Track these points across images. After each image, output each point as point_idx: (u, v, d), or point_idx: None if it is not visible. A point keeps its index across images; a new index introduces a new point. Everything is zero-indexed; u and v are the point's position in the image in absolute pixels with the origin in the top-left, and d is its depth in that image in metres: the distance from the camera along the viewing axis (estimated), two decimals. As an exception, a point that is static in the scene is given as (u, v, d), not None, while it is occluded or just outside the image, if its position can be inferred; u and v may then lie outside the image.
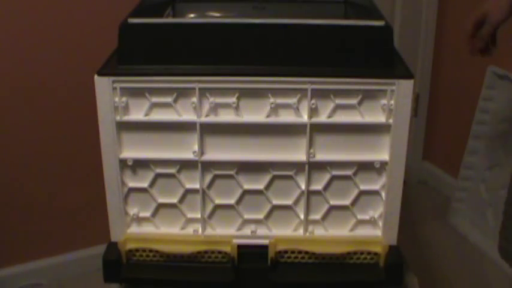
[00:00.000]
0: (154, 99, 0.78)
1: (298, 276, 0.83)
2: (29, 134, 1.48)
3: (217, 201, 0.83)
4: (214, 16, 1.00)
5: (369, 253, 0.84)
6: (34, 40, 1.40)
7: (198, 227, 0.85)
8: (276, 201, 0.83)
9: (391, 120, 0.78)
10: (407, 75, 0.76)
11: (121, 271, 0.84)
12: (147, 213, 0.84)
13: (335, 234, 0.85)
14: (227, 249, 0.83)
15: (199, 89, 0.77)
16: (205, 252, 0.84)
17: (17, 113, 1.46)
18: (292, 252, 0.84)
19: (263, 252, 0.83)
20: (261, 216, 0.84)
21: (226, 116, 0.78)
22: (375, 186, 0.82)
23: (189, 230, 0.85)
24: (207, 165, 0.81)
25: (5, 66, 1.40)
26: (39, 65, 1.43)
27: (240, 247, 0.83)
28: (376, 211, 0.84)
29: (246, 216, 0.84)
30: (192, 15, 1.00)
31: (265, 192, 0.82)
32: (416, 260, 1.16)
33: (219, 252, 0.84)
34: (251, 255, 0.83)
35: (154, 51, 0.77)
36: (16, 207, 1.54)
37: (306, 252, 0.84)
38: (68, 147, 1.53)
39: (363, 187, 0.82)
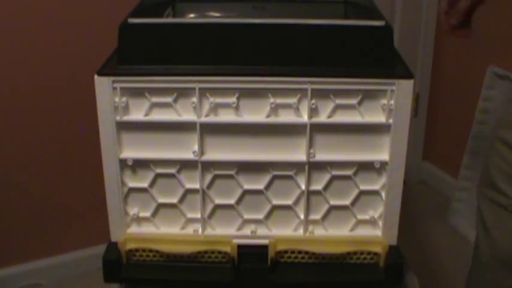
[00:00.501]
0: (154, 99, 0.78)
1: (298, 276, 0.83)
2: (29, 134, 1.48)
3: (217, 201, 0.83)
4: (214, 16, 1.00)
5: (368, 253, 0.84)
6: (34, 40, 1.40)
7: (198, 227, 0.85)
8: (276, 201, 0.83)
9: (391, 120, 0.78)
10: (407, 75, 0.76)
11: (121, 271, 0.84)
12: (147, 213, 0.84)
13: (335, 234, 0.85)
14: (227, 249, 0.83)
15: (199, 89, 0.77)
16: (205, 252, 0.84)
17: (17, 112, 1.46)
18: (292, 252, 0.84)
19: (263, 252, 0.83)
20: (261, 216, 0.84)
21: (226, 116, 0.78)
22: (375, 186, 0.82)
23: (189, 230, 0.85)
24: (207, 165, 0.81)
25: (5, 66, 1.40)
26: (39, 65, 1.43)
27: (240, 247, 0.83)
28: (376, 211, 0.84)
29: (246, 216, 0.84)
30: (192, 15, 1.00)
31: (265, 192, 0.82)
32: (416, 260, 1.16)
33: (219, 252, 0.84)
34: (251, 255, 0.83)
35: (154, 51, 0.77)
36: (16, 207, 1.54)
37: (306, 252, 0.84)
38: (68, 147, 1.53)
39: (362, 187, 0.82)
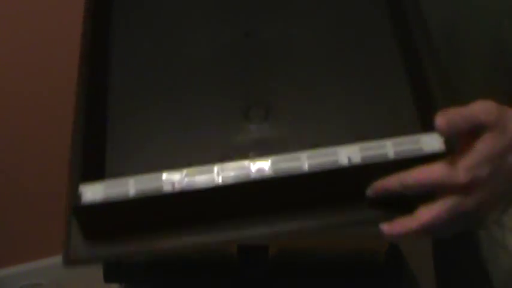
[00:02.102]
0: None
1: (298, 276, 0.83)
2: (29, 134, 1.48)
3: (217, 201, 0.83)
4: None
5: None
6: (34, 40, 1.40)
7: (198, 227, 0.84)
8: (276, 201, 0.83)
9: (391, 120, 0.77)
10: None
11: (121, 271, 0.83)
12: (147, 213, 0.84)
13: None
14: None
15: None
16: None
17: (17, 112, 1.46)
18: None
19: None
20: (261, 216, 0.83)
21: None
22: (375, 186, 0.82)
23: (189, 230, 0.84)
24: (207, 165, 0.80)
25: (5, 67, 1.40)
26: (39, 65, 1.43)
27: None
28: (376, 211, 0.83)
29: (246, 216, 0.84)
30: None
31: (265, 192, 0.82)
32: (416, 260, 1.16)
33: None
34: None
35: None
36: (16, 207, 1.54)
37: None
38: (68, 147, 1.53)
39: (363, 187, 0.82)
